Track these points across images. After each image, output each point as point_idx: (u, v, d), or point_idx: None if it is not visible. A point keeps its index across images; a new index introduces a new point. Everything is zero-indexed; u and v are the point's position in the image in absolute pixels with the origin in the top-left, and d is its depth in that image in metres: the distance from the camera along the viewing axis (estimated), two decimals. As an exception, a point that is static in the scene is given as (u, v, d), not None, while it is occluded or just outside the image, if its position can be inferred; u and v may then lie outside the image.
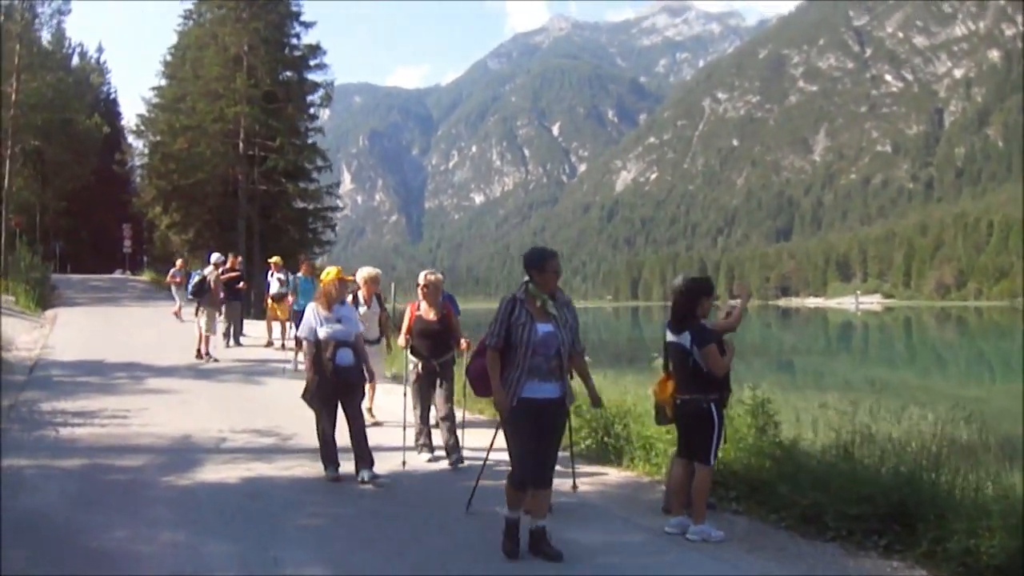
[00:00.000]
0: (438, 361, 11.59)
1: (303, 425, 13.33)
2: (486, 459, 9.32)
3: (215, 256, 23.35)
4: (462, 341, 11.77)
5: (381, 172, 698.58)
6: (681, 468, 8.84)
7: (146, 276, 59.22)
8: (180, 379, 18.29)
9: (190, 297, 22.31)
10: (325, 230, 58.47)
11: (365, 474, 10.20)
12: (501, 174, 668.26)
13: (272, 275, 24.25)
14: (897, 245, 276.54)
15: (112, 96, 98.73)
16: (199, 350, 21.30)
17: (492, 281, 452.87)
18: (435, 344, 11.58)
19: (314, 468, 10.86)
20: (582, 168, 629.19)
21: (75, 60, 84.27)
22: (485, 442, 9.63)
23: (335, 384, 10.31)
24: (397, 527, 8.57)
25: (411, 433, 11.81)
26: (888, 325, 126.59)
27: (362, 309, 13.31)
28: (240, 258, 26.68)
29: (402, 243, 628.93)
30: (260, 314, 28.66)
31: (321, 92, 56.51)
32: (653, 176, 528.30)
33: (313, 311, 10.52)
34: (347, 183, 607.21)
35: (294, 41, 56.74)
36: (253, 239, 50.70)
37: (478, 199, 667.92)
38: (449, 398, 11.61)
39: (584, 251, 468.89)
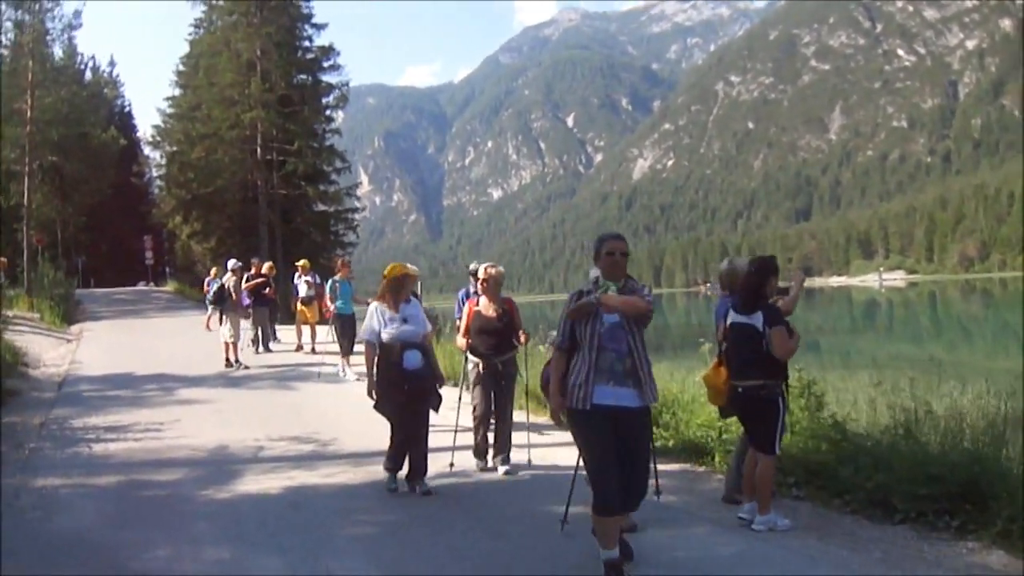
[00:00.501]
0: (500, 360, 10.85)
1: (341, 430, 13.09)
2: (578, 466, 7.54)
3: (232, 263, 22.82)
4: (520, 334, 10.98)
5: (398, 172, 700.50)
6: (751, 453, 8.53)
7: (170, 287, 58.92)
8: (211, 388, 17.96)
9: (210, 305, 21.97)
10: (347, 232, 58.22)
11: (419, 486, 9.65)
12: (518, 168, 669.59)
13: (299, 278, 23.88)
14: (918, 220, 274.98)
15: (127, 109, 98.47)
16: (227, 359, 20.92)
17: (514, 275, 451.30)
18: (497, 342, 10.82)
19: (357, 474, 10.62)
20: (598, 158, 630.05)
21: (88, 75, 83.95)
22: (557, 450, 9.82)
23: (405, 390, 9.51)
24: (451, 534, 8.19)
25: (459, 437, 11.27)
26: (913, 301, 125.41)
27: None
28: (269, 264, 26.23)
29: (422, 242, 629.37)
30: (287, 319, 28.08)
31: (336, 93, 56.51)
32: (670, 163, 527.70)
33: (376, 311, 9.78)
34: (364, 185, 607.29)
35: (306, 44, 56.72)
36: (275, 244, 50.49)
37: (496, 194, 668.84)
38: (510, 399, 11.09)
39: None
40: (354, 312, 19.84)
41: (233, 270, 22.20)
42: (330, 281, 20.65)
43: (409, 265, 11.80)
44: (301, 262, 24.66)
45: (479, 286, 11.06)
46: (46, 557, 7.50)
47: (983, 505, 7.68)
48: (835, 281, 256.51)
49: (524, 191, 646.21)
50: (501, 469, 10.69)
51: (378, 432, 12.89)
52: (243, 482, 10.36)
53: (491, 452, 10.99)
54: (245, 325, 22.73)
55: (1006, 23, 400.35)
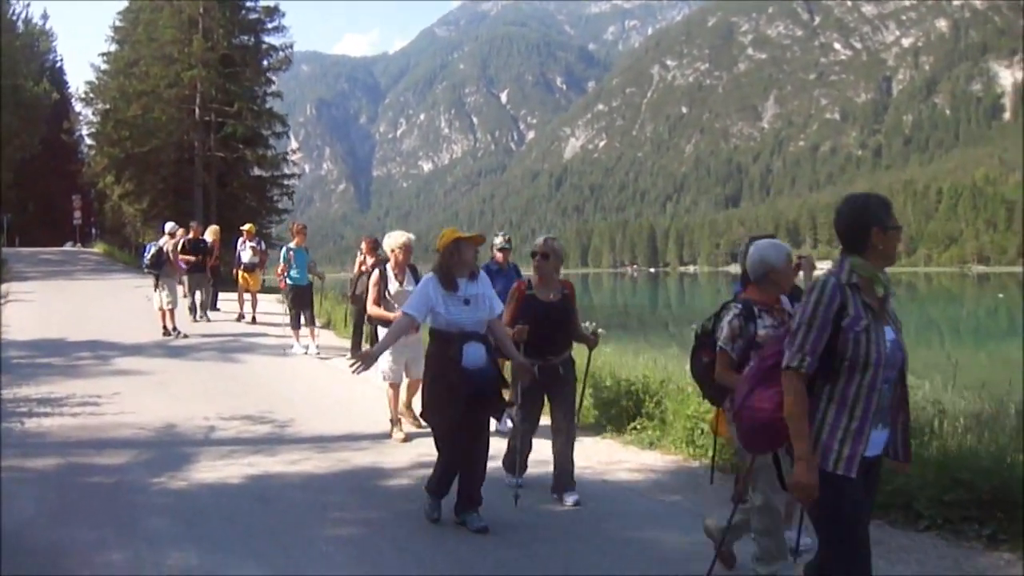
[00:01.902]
0: (559, 360, 8.37)
1: (298, 409, 12.17)
2: (738, 499, 6.20)
3: (169, 225, 21.71)
4: (590, 328, 9.09)
5: (329, 141, 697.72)
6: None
7: (98, 248, 57.71)
8: (150, 358, 16.86)
9: (146, 270, 20.77)
10: (282, 198, 57.00)
11: (470, 520, 7.40)
12: (449, 142, 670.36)
13: (244, 244, 22.78)
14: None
15: (59, 64, 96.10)
16: (164, 326, 19.78)
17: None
18: (556, 335, 8.35)
19: (324, 461, 9.61)
20: (531, 135, 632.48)
21: (20, 27, 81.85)
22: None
23: (464, 396, 7.19)
24: (451, 538, 7.26)
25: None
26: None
27: (393, 286, 11.02)
28: (215, 228, 25.14)
29: (350, 212, 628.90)
30: (230, 286, 26.63)
31: (279, 55, 55.12)
32: (602, 143, 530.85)
33: (431, 286, 7.46)
34: (293, 155, 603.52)
35: (250, 3, 55.06)
36: (210, 207, 49.28)
37: (426, 167, 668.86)
38: (572, 413, 8.55)
39: (533, 219, 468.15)
40: (311, 282, 18.46)
41: (170, 233, 21.13)
42: (283, 248, 19.00)
43: (402, 234, 11.27)
44: (246, 226, 23.56)
45: (534, 263, 8.40)
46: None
47: (1012, 513, 7.02)
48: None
49: (455, 165, 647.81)
50: (568, 500, 8.17)
51: (337, 412, 12.12)
52: (198, 468, 9.27)
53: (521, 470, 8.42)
54: (181, 291, 21.65)
55: (942, 23, 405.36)
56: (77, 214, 67.14)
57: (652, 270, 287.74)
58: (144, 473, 9.08)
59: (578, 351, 8.79)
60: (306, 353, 17.47)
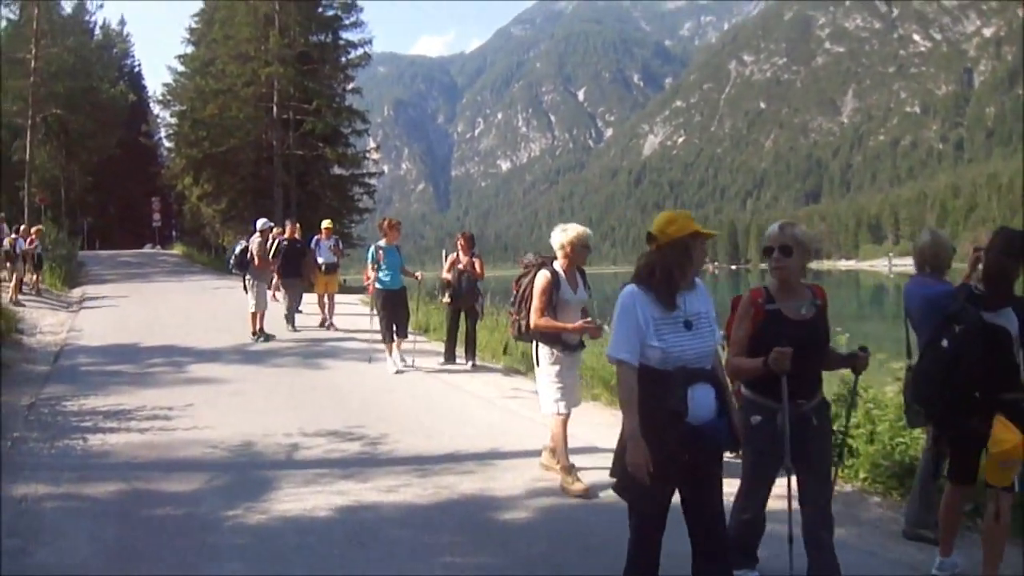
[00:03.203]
0: (812, 404, 5.67)
1: (391, 423, 10.85)
2: None
3: (261, 222, 19.82)
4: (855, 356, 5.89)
5: (407, 141, 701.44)
6: (964, 496, 6.34)
7: (177, 250, 57.80)
8: (227, 364, 15.83)
9: (233, 271, 19.50)
10: (362, 196, 56.20)
11: None
12: (527, 140, 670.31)
13: (319, 243, 21.26)
14: (929, 206, 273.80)
15: (136, 69, 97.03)
16: (253, 330, 18.62)
17: (521, 247, 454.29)
18: (809, 368, 5.60)
19: (425, 488, 8.26)
20: (608, 133, 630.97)
21: (97, 32, 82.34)
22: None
23: (687, 460, 4.87)
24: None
25: None
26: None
27: (567, 293, 8.60)
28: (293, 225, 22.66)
29: (429, 212, 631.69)
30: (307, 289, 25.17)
31: (359, 51, 54.51)
32: (680, 140, 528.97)
33: (639, 305, 4.95)
34: (373, 153, 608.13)
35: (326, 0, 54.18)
36: (290, 207, 48.47)
37: (505, 166, 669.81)
38: (829, 474, 5.84)
39: (612, 216, 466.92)
40: (404, 287, 15.82)
41: (262, 231, 19.36)
42: (372, 247, 15.88)
43: (576, 228, 8.79)
44: (325, 223, 21.92)
45: (771, 262, 5.78)
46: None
47: None
48: (844, 264, 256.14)
49: (533, 164, 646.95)
50: None
51: (433, 427, 10.69)
52: (279, 497, 7.99)
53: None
54: (277, 295, 20.90)
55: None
56: (156, 216, 67.65)
57: (733, 267, 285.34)
58: (217, 503, 7.85)
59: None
60: (399, 372, 15.09)
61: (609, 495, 7.75)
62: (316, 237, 21.53)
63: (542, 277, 8.55)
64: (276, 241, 20.14)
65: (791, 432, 5.41)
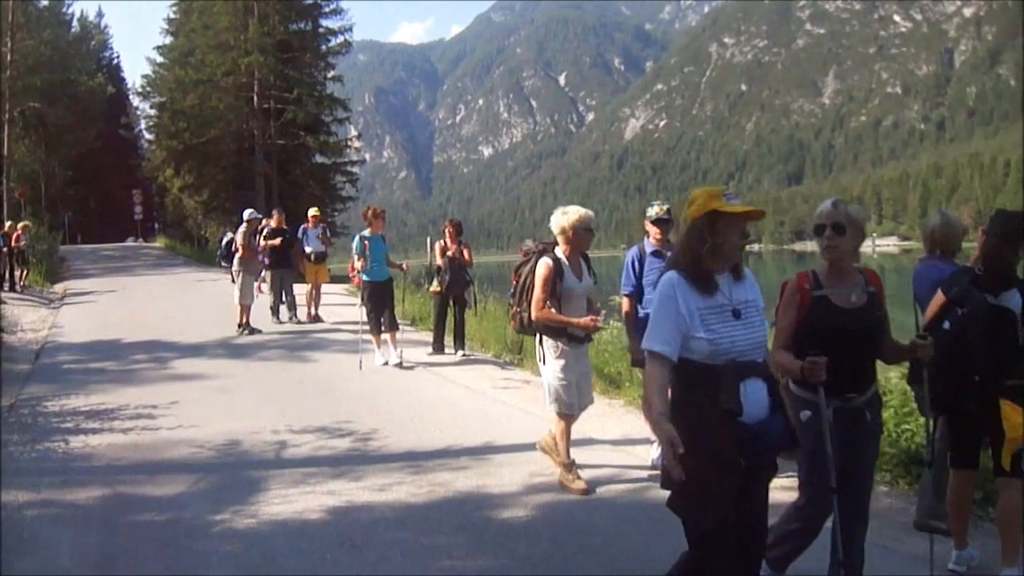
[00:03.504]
0: (864, 398, 5.26)
1: (380, 415, 10.58)
2: None
3: (247, 212, 19.47)
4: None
5: (388, 129, 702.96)
6: (967, 482, 6.12)
7: (159, 242, 57.65)
8: (211, 359, 15.52)
9: (222, 264, 19.16)
10: (345, 185, 56.09)
11: None
12: (509, 126, 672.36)
13: (307, 232, 20.47)
14: (912, 187, 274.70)
15: (115, 61, 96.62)
16: (239, 322, 18.28)
17: (504, 233, 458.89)
18: (863, 359, 5.29)
19: (419, 486, 7.96)
20: (590, 117, 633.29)
21: (75, 25, 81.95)
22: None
23: (743, 464, 4.30)
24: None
25: None
26: (906, 267, 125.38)
27: (571, 281, 8.04)
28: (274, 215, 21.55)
29: (412, 199, 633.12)
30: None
31: (339, 39, 54.64)
32: (662, 123, 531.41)
33: (679, 292, 4.45)
34: (354, 141, 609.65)
35: (306, -12, 53.96)
36: (271, 197, 48.40)
37: (487, 152, 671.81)
38: (871, 475, 5.67)
39: (595, 200, 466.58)
40: (391, 278, 15.44)
41: (248, 220, 18.93)
42: (356, 237, 15.17)
43: (579, 210, 8.14)
44: (311, 211, 21.10)
45: (822, 243, 5.28)
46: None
47: None
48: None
49: (515, 149, 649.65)
50: None
51: (425, 420, 10.31)
52: (268, 499, 7.70)
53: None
54: (262, 287, 20.14)
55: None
56: (138, 209, 67.27)
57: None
58: (204, 507, 7.56)
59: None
60: (386, 364, 14.61)
61: (609, 491, 7.55)
62: (303, 226, 20.75)
63: (543, 266, 7.97)
64: (263, 230, 19.65)
65: (838, 426, 5.04)
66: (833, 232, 5.18)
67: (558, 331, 7.95)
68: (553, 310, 7.91)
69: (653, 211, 8.62)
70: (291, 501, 7.61)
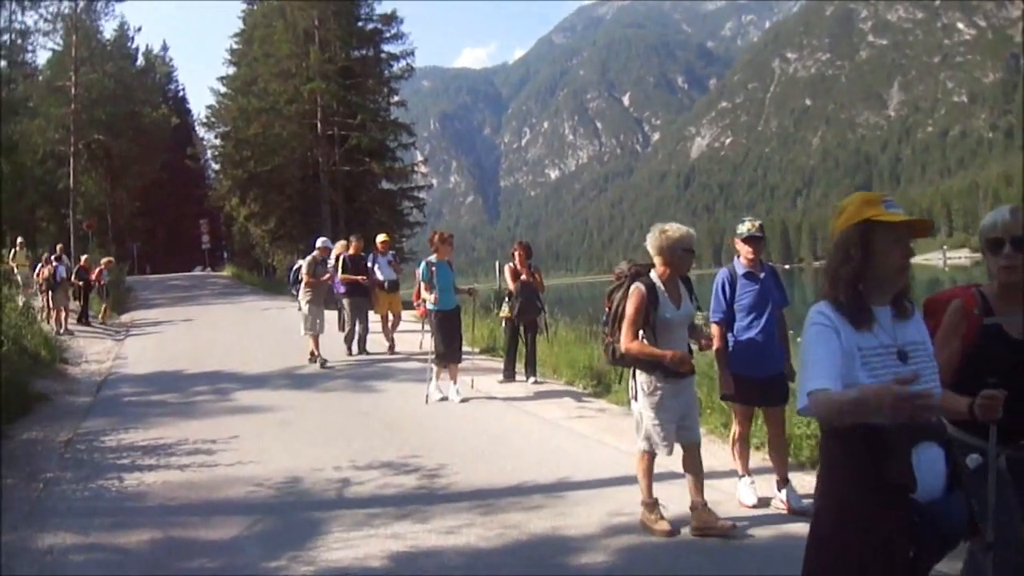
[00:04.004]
0: None
1: (448, 450, 10.04)
2: None
3: (321, 240, 18.80)
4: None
5: (454, 154, 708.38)
6: None
7: (227, 271, 57.73)
8: (274, 390, 15.14)
9: (293, 292, 18.67)
10: (412, 210, 55.75)
11: None
12: (575, 148, 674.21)
13: (377, 258, 19.59)
14: (982, 197, 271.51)
15: (180, 92, 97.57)
16: (311, 352, 17.60)
17: (572, 256, 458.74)
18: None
19: (490, 528, 7.39)
20: (655, 137, 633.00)
21: (139, 59, 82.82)
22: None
23: (912, 546, 3.42)
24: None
25: None
26: (978, 279, 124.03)
27: (668, 310, 7.29)
28: (341, 243, 20.60)
29: (480, 223, 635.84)
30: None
31: (401, 63, 54.42)
32: (728, 141, 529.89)
33: (836, 321, 3.58)
34: (420, 167, 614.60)
35: (366, 12, 54.40)
36: (338, 224, 48.41)
37: (553, 174, 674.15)
38: None
39: (663, 220, 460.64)
40: (459, 306, 14.59)
41: (320, 248, 18.25)
42: (422, 264, 14.22)
43: (675, 227, 7.35)
44: (380, 237, 20.28)
45: (999, 264, 4.48)
46: None
47: None
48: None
49: (581, 171, 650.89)
50: None
51: (495, 455, 9.73)
52: (327, 543, 7.20)
53: None
54: (330, 316, 19.16)
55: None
56: (205, 238, 67.70)
57: (787, 266, 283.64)
58: (258, 552, 7.09)
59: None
60: (444, 399, 13.70)
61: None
62: (372, 253, 19.93)
63: (634, 292, 7.22)
64: (339, 258, 18.83)
65: (1017, 478, 4.15)
66: (1012, 248, 4.32)
67: (652, 365, 7.15)
68: (646, 341, 7.16)
69: (744, 228, 7.95)
70: (352, 546, 7.10)
